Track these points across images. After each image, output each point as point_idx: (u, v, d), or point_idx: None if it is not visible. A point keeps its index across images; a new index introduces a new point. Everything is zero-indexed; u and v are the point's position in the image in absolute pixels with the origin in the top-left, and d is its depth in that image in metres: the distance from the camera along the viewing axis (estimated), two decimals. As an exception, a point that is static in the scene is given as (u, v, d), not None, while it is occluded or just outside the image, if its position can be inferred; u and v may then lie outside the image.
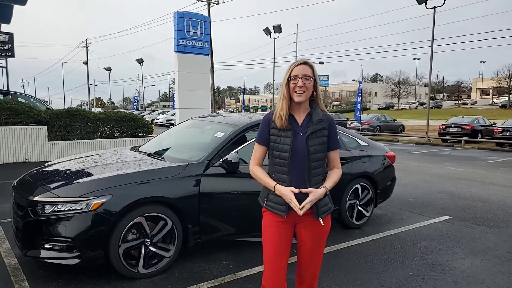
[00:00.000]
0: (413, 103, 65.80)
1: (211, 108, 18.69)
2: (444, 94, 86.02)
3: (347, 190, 4.81)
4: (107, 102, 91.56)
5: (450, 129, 19.76)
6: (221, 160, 3.71)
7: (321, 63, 47.96)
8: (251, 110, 75.65)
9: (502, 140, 17.17)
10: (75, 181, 3.45)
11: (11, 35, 19.28)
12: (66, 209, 3.11)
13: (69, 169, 3.87)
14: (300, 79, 2.08)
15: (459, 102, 64.23)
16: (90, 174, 3.54)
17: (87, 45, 53.93)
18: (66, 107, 11.94)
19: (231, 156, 3.63)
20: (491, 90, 68.91)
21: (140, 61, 55.97)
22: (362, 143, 5.28)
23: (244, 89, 39.75)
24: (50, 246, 3.13)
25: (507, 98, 52.02)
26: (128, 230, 3.26)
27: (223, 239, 3.92)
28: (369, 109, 59.91)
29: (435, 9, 19.06)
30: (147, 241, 3.35)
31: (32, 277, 3.30)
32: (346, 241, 4.44)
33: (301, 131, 2.13)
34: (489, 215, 5.75)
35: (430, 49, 19.90)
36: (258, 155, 2.23)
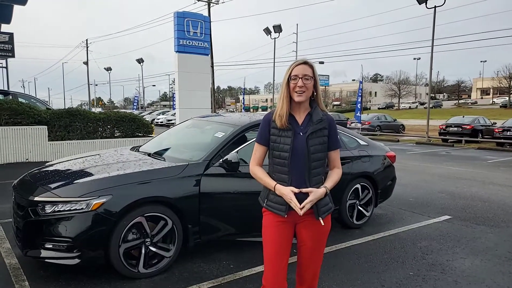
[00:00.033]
0: (413, 103, 65.80)
1: (211, 108, 18.70)
2: (445, 93, 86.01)
3: (348, 190, 4.81)
4: (107, 102, 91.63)
5: (451, 129, 19.75)
6: (221, 160, 3.71)
7: (321, 63, 47.95)
8: (251, 110, 75.67)
9: (502, 140, 17.16)
10: (75, 181, 3.45)
11: (11, 35, 19.28)
12: (66, 209, 3.11)
13: (69, 169, 3.87)
14: (300, 79, 2.08)
15: (460, 101, 64.22)
16: (90, 174, 3.54)
17: (87, 45, 53.95)
18: (66, 107, 11.94)
19: (231, 156, 3.63)
20: (491, 90, 68.89)
21: (140, 61, 55.98)
22: (362, 143, 5.28)
23: (244, 89, 39.77)
24: (51, 246, 3.13)
25: (507, 98, 52.01)
26: (129, 230, 3.26)
27: (223, 239, 3.92)
28: (369, 109, 59.91)
29: (435, 9, 19.05)
30: (147, 241, 3.36)
31: (33, 277, 3.30)
32: (346, 241, 4.44)
33: (301, 131, 2.13)
34: (490, 214, 5.75)
35: (431, 49, 19.89)
36: (258, 155, 2.23)
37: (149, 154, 4.22)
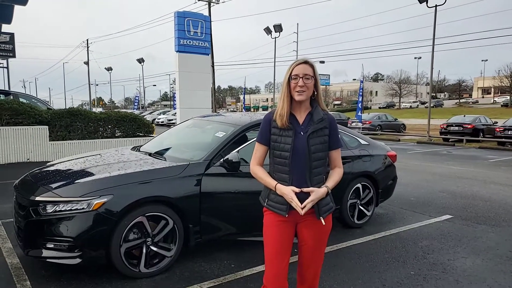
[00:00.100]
0: (414, 102, 65.72)
1: (212, 108, 18.70)
2: (446, 93, 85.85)
3: (348, 189, 4.81)
4: (108, 102, 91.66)
5: (452, 128, 19.73)
6: (222, 160, 3.71)
7: (322, 62, 47.98)
8: (252, 109, 75.66)
9: (503, 139, 17.13)
10: (76, 181, 3.45)
11: (12, 35, 19.32)
12: (67, 209, 3.11)
13: (70, 169, 3.88)
14: (300, 79, 2.08)
15: (461, 101, 64.11)
16: (91, 174, 3.54)
17: (87, 45, 53.99)
18: (67, 107, 11.93)
19: (232, 155, 3.63)
20: (492, 89, 68.74)
21: (140, 61, 56.03)
22: (363, 142, 5.28)
23: (244, 88, 39.65)
24: (52, 245, 3.13)
25: (508, 97, 51.90)
26: (130, 230, 3.26)
27: (224, 238, 3.92)
28: (370, 108, 59.91)
29: (436, 8, 19.02)
30: (148, 241, 3.36)
31: (34, 277, 3.31)
32: (347, 240, 4.44)
33: (302, 131, 2.13)
34: (491, 214, 5.75)
35: (432, 48, 19.86)
36: (259, 155, 2.23)
37: (150, 154, 4.22)
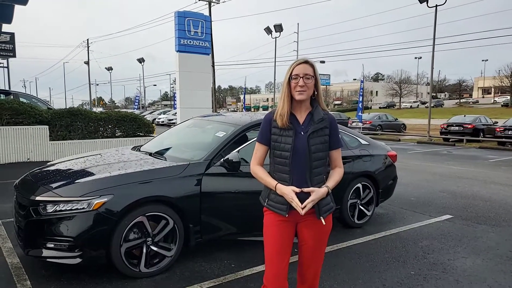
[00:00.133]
0: (414, 102, 65.74)
1: (212, 108, 18.70)
2: (446, 93, 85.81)
3: (349, 189, 4.81)
4: (108, 101, 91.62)
5: (452, 128, 19.74)
6: (222, 160, 3.71)
7: (322, 62, 47.92)
8: (252, 109, 75.66)
9: (504, 139, 17.13)
10: (76, 181, 3.46)
11: (12, 35, 19.32)
12: (67, 208, 3.11)
13: (70, 169, 3.88)
14: (301, 79, 2.08)
15: (461, 101, 64.10)
16: (91, 174, 3.54)
17: (88, 45, 53.99)
18: (67, 107, 11.93)
19: (232, 155, 3.63)
20: (493, 89, 68.68)
21: (141, 60, 56.02)
22: (363, 142, 5.28)
23: (245, 88, 39.69)
24: (52, 245, 3.13)
25: (509, 97, 51.87)
26: (130, 230, 3.26)
27: (225, 238, 3.92)
28: (371, 108, 59.90)
29: (436, 8, 19.02)
30: (148, 241, 3.36)
31: (34, 277, 3.31)
32: (347, 240, 4.44)
33: (303, 130, 2.13)
34: (491, 214, 5.74)
35: (432, 48, 19.86)
36: (259, 155, 2.23)
37: (150, 154, 4.22)
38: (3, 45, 18.94)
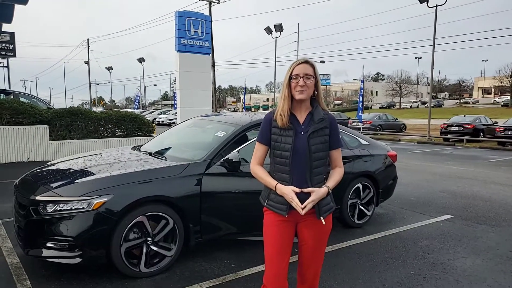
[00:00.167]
0: (414, 102, 65.76)
1: (213, 108, 18.70)
2: (446, 93, 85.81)
3: (349, 189, 4.81)
4: (109, 101, 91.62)
5: (452, 128, 19.74)
6: (222, 160, 3.71)
7: (323, 62, 47.87)
8: (252, 109, 75.64)
9: (503, 139, 17.13)
10: (76, 181, 3.45)
11: (12, 34, 19.33)
12: (67, 208, 3.11)
13: (70, 169, 3.88)
14: (301, 78, 2.08)
15: (461, 101, 64.11)
16: (91, 174, 3.54)
17: (88, 44, 53.97)
18: (67, 107, 11.92)
19: (233, 155, 3.63)
20: (493, 89, 68.67)
21: (141, 60, 55.98)
22: (363, 142, 5.27)
23: (245, 88, 39.63)
24: (52, 245, 3.13)
25: (509, 97, 51.87)
26: (130, 229, 3.26)
27: (225, 238, 3.92)
28: (371, 108, 59.91)
29: (436, 8, 19.01)
30: (148, 240, 3.36)
31: (34, 276, 3.31)
32: (347, 240, 4.44)
33: (303, 130, 2.13)
34: (491, 214, 5.74)
35: (432, 48, 19.86)
36: (259, 155, 2.23)
37: (150, 154, 4.22)
38: (3, 44, 18.95)
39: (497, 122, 20.77)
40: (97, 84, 71.35)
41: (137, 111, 28.64)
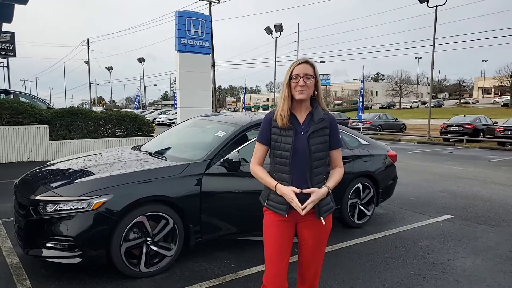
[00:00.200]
0: (414, 102, 65.76)
1: (213, 107, 18.70)
2: (446, 93, 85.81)
3: (349, 189, 4.81)
4: (109, 101, 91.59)
5: (452, 128, 19.74)
6: (222, 160, 3.71)
7: (323, 62, 47.85)
8: (252, 109, 75.63)
9: (503, 139, 17.13)
10: (76, 180, 3.45)
11: (12, 34, 19.33)
12: (67, 208, 3.11)
13: (70, 169, 3.88)
14: (301, 78, 2.08)
15: (461, 101, 64.11)
16: (91, 174, 3.54)
17: (88, 44, 53.96)
18: (67, 107, 11.91)
19: (233, 155, 3.63)
20: (493, 89, 68.67)
21: (141, 60, 55.96)
22: (363, 142, 5.27)
23: (245, 88, 39.61)
24: (52, 245, 3.13)
25: (509, 97, 51.88)
26: (130, 229, 3.26)
27: (225, 238, 3.92)
28: (371, 108, 59.91)
29: (436, 8, 19.01)
30: (148, 240, 3.36)
31: (34, 276, 3.31)
32: (347, 240, 4.44)
33: (303, 130, 2.13)
34: (491, 214, 5.74)
35: (432, 48, 19.86)
36: (259, 155, 2.23)
37: (150, 154, 4.22)
38: (3, 44, 18.95)
39: (497, 122, 20.78)
40: (97, 84, 71.38)
41: (137, 111, 28.66)
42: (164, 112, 38.90)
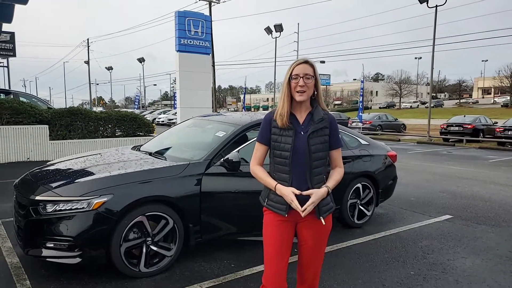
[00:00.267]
0: (414, 102, 65.76)
1: (212, 107, 18.70)
2: (446, 93, 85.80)
3: (349, 189, 4.81)
4: (109, 101, 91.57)
5: (452, 128, 19.74)
6: (222, 160, 3.71)
7: (322, 62, 47.90)
8: (252, 109, 75.62)
9: (503, 139, 17.14)
10: (76, 180, 3.45)
11: (12, 34, 19.33)
12: (67, 208, 3.11)
13: (70, 169, 3.88)
14: (301, 78, 2.08)
15: (461, 101, 64.12)
16: (91, 174, 3.54)
17: (88, 44, 53.95)
18: (67, 107, 11.91)
19: (232, 155, 3.63)
20: (492, 89, 68.67)
21: (141, 60, 55.97)
22: (363, 142, 5.28)
23: (245, 88, 39.58)
24: (52, 245, 3.13)
25: (508, 97, 51.89)
26: (130, 229, 3.26)
27: (224, 238, 3.92)
28: (371, 108, 59.91)
29: (436, 8, 19.02)
30: (148, 240, 3.36)
31: (34, 276, 3.31)
32: (347, 240, 4.44)
33: (302, 130, 2.13)
34: (491, 214, 5.75)
35: (432, 48, 19.86)
36: (259, 155, 2.23)
37: (150, 154, 4.22)
38: (3, 44, 18.95)
39: (496, 122, 20.78)
40: (97, 84, 71.35)
41: (137, 111, 28.65)
42: (164, 112, 38.91)
